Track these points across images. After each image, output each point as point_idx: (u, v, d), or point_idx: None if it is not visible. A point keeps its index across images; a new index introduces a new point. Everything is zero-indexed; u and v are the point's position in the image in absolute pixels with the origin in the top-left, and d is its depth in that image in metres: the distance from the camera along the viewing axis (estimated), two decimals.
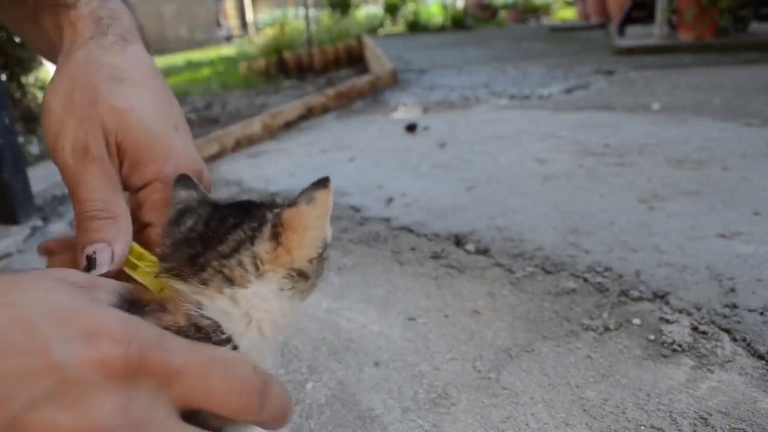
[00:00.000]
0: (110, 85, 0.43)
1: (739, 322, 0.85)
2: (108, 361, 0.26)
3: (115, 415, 0.26)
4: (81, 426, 0.26)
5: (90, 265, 0.39)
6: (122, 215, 0.41)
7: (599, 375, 0.73)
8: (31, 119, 2.31)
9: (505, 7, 13.37)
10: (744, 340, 0.80)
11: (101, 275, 0.37)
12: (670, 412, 0.65)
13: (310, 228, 0.36)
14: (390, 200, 1.62)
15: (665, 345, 0.80)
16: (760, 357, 0.76)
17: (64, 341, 0.26)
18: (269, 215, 0.36)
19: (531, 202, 1.51)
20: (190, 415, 0.30)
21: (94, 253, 0.39)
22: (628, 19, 5.93)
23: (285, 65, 5.34)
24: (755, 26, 5.28)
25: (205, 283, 0.35)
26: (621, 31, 5.90)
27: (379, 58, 4.89)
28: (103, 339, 0.27)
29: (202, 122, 3.32)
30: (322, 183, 0.38)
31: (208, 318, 0.34)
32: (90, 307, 0.28)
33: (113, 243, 0.40)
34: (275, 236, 0.36)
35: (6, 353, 0.25)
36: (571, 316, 0.91)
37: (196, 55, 9.51)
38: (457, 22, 10.99)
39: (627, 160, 1.81)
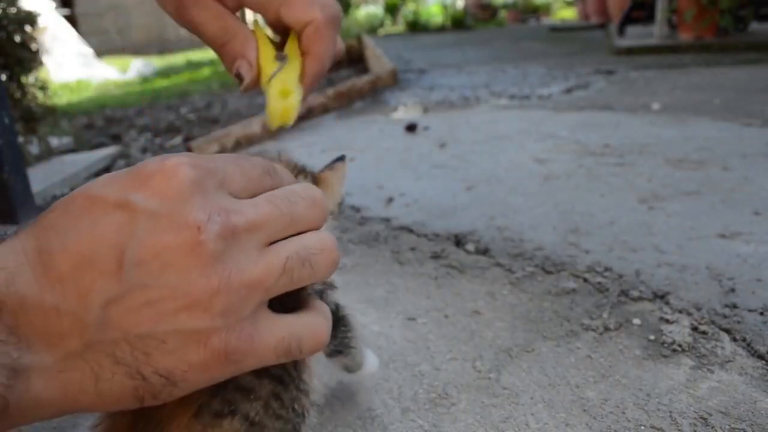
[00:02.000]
0: None
1: (739, 322, 0.85)
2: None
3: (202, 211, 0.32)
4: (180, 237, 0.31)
5: (240, 78, 0.47)
6: (240, 31, 0.48)
7: (599, 375, 0.73)
8: (31, 119, 2.31)
9: (505, 7, 13.37)
10: (744, 340, 0.80)
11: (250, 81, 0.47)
12: (670, 412, 0.65)
13: (332, 185, 0.57)
14: (390, 200, 1.62)
15: (665, 345, 0.80)
16: (760, 357, 0.76)
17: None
18: (310, 172, 0.57)
19: (531, 202, 1.51)
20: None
21: (239, 67, 0.47)
22: (628, 19, 5.93)
23: None
24: (755, 26, 5.28)
25: None
26: (621, 31, 5.90)
27: (379, 58, 4.89)
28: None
29: (202, 122, 3.32)
30: (340, 159, 0.59)
31: None
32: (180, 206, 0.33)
33: (246, 54, 0.47)
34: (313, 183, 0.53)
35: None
36: (571, 316, 0.91)
37: (196, 55, 9.50)
38: (457, 22, 10.99)
39: (627, 160, 1.81)
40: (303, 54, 0.47)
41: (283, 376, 0.44)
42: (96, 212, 0.32)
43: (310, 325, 0.37)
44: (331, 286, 0.55)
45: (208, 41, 0.49)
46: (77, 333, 0.30)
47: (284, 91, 0.46)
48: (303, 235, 0.37)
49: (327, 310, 0.40)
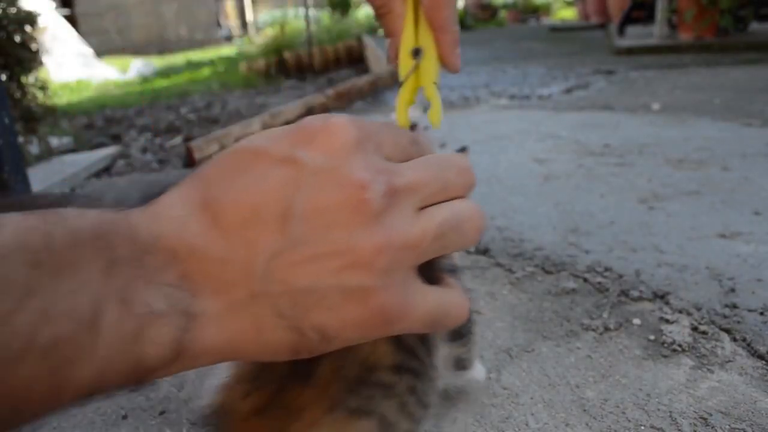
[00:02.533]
0: None
1: (739, 322, 0.85)
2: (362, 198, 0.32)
3: (365, 168, 0.33)
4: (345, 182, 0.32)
5: (388, 58, 0.50)
6: (395, 6, 0.48)
7: (599, 375, 0.73)
8: (31, 119, 2.31)
9: (505, 7, 13.36)
10: (744, 340, 0.80)
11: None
12: (670, 412, 0.65)
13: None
14: None
15: (665, 345, 0.80)
16: (760, 357, 0.76)
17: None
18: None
19: (531, 202, 1.51)
20: None
21: (387, 47, 0.50)
22: (628, 19, 5.93)
23: (285, 65, 5.34)
24: (755, 26, 5.29)
25: None
26: (621, 31, 5.90)
27: (379, 58, 4.90)
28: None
29: (202, 122, 3.32)
30: (463, 149, 0.58)
31: None
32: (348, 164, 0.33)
33: (395, 34, 0.49)
34: None
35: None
36: (571, 316, 0.91)
37: (196, 55, 9.50)
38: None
39: (627, 160, 1.81)
40: (430, 26, 0.48)
41: (419, 368, 0.45)
42: (261, 166, 0.33)
43: (454, 297, 0.38)
44: (456, 268, 0.55)
45: (371, 5, 0.51)
46: (243, 283, 0.31)
47: (409, 101, 0.50)
48: (453, 201, 0.37)
49: (462, 288, 0.40)
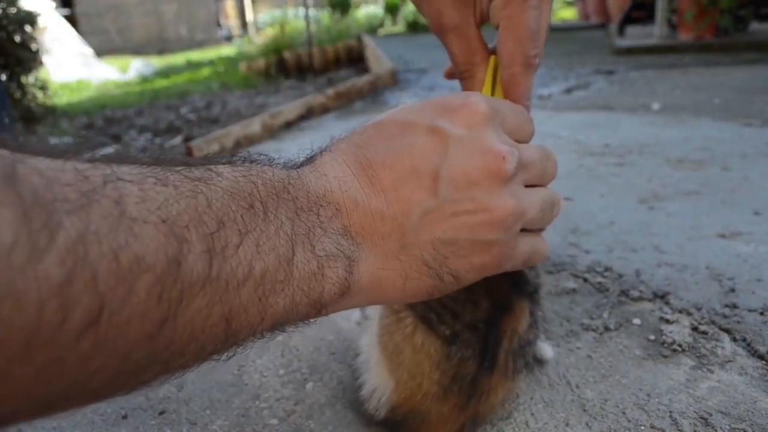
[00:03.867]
0: None
1: (739, 322, 0.85)
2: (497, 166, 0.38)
3: (502, 143, 0.39)
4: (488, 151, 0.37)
5: None
6: (478, 73, 0.52)
7: (599, 375, 0.73)
8: (31, 119, 2.31)
9: None
10: (744, 340, 0.80)
11: None
12: (670, 412, 0.65)
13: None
14: None
15: (665, 345, 0.80)
16: (760, 357, 0.76)
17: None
18: None
19: None
20: None
21: None
22: (628, 19, 5.92)
23: (285, 65, 5.34)
24: (755, 26, 5.28)
25: None
26: (621, 31, 5.90)
27: (379, 58, 4.89)
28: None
29: (202, 122, 3.32)
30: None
31: None
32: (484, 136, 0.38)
33: None
34: None
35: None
36: (571, 316, 0.90)
37: (196, 55, 9.50)
38: None
39: (627, 160, 1.81)
40: (505, 97, 0.51)
41: (536, 320, 0.59)
42: (411, 135, 0.37)
43: (541, 242, 0.45)
44: None
45: (453, 63, 0.54)
46: (396, 236, 0.36)
47: None
48: (546, 187, 0.45)
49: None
